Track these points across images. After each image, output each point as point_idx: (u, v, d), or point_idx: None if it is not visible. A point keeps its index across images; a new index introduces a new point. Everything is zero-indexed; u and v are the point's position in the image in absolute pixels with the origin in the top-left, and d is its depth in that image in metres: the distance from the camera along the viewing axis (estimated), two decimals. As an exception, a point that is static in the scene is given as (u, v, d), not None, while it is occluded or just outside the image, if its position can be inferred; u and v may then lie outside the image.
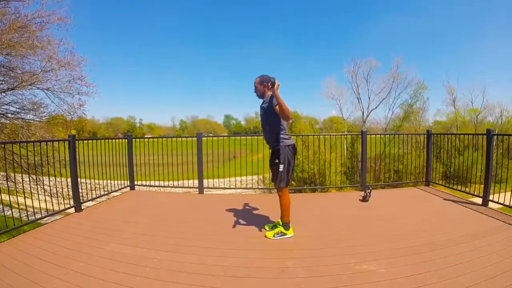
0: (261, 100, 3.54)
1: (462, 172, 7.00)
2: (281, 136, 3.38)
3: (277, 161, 3.37)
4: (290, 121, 3.35)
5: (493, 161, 4.70)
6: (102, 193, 5.51)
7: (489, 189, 4.55)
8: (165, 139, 6.77)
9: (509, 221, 3.71)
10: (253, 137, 6.50)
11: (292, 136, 3.87)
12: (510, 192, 4.37)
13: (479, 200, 4.66)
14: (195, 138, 6.06)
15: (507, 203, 4.23)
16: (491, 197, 4.52)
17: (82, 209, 4.67)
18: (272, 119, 3.36)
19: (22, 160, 10.31)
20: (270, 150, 3.56)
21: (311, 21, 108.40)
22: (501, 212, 4.11)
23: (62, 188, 6.43)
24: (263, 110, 3.45)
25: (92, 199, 5.19)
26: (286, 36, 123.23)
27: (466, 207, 4.50)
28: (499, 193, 4.49)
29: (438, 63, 73.94)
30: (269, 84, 3.20)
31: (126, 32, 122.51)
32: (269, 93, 3.38)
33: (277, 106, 3.18)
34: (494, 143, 4.66)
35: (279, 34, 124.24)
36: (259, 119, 3.62)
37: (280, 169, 3.33)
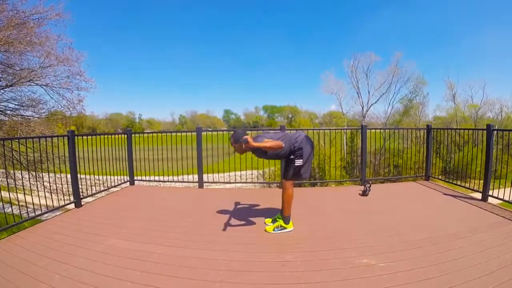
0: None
1: (462, 167, 7.00)
2: (292, 145, 3.33)
3: (292, 157, 3.34)
4: (283, 149, 3.28)
5: (493, 156, 4.69)
6: (102, 188, 5.50)
7: (488, 184, 4.54)
8: (165, 134, 6.76)
9: (508, 216, 3.71)
10: (252, 131, 6.47)
11: (292, 131, 3.83)
12: (509, 188, 4.37)
13: (478, 195, 4.67)
14: (194, 133, 6.05)
15: (506, 198, 4.24)
16: (490, 192, 4.52)
17: (82, 205, 4.68)
18: (272, 153, 3.32)
19: (21, 157, 10.32)
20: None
21: (311, 15, 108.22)
22: (500, 208, 4.11)
23: (61, 184, 6.42)
24: (262, 157, 3.44)
25: (92, 195, 5.20)
26: (286, 30, 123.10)
27: (465, 202, 4.50)
28: (499, 188, 4.49)
29: (438, 58, 73.90)
30: (242, 142, 3.15)
31: (125, 27, 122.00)
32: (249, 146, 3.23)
33: (266, 151, 3.19)
34: (494, 139, 4.65)
35: (279, 28, 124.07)
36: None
37: (296, 164, 3.30)
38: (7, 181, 5.20)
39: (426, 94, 29.93)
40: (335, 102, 35.78)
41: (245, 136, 3.15)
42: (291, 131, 6.47)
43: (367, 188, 5.04)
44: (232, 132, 3.40)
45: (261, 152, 3.32)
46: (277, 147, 3.18)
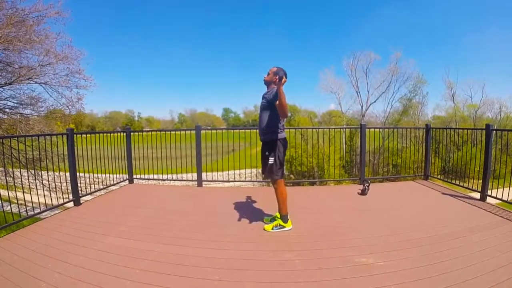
0: (265, 89, 3.53)
1: (461, 167, 7.01)
2: (275, 129, 3.37)
3: (267, 153, 3.38)
4: (286, 118, 3.36)
5: (492, 156, 4.70)
6: (101, 187, 5.51)
7: (487, 184, 4.54)
8: (164, 132, 6.77)
9: (507, 216, 3.72)
10: (251, 130, 6.47)
11: (291, 129, 3.85)
12: (508, 188, 4.38)
13: (477, 195, 4.67)
14: (193, 131, 6.05)
15: (505, 198, 4.25)
16: (489, 192, 4.53)
17: (81, 203, 4.68)
18: (271, 111, 3.34)
19: (20, 155, 10.31)
20: (262, 142, 3.55)
21: (310, 13, 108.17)
22: (499, 207, 4.12)
23: (60, 182, 6.42)
24: (265, 100, 3.43)
25: (91, 193, 5.19)
26: (285, 28, 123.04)
27: (464, 201, 4.51)
28: (497, 188, 4.49)
29: (438, 58, 73.92)
30: (278, 76, 3.15)
31: (123, 25, 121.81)
32: (275, 86, 3.34)
33: (278, 101, 3.18)
34: (493, 139, 4.66)
35: (278, 26, 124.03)
36: (258, 110, 3.61)
37: (270, 162, 3.33)
38: (6, 180, 5.20)
39: (425, 94, 29.99)
40: (334, 101, 35.95)
41: (284, 78, 3.16)
42: (291, 130, 6.47)
43: (366, 187, 5.04)
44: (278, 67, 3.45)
45: (271, 104, 3.31)
46: (287, 110, 3.17)
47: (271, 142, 3.38)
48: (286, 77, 3.26)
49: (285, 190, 3.44)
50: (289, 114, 3.26)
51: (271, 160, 3.34)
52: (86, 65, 14.32)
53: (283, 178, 3.43)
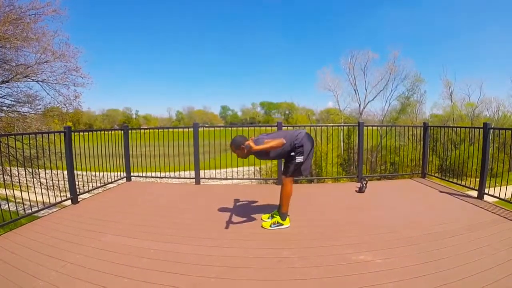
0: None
1: (458, 165, 7.03)
2: (293, 142, 3.35)
3: (292, 154, 3.35)
4: (284, 147, 3.29)
5: (489, 155, 4.71)
6: (99, 185, 5.49)
7: (484, 182, 4.55)
8: (162, 130, 6.76)
9: (504, 215, 3.73)
10: (249, 128, 6.45)
11: (289, 127, 3.83)
12: (505, 186, 4.39)
13: (474, 193, 4.68)
14: (191, 129, 6.04)
15: (502, 196, 4.26)
16: (486, 191, 4.54)
17: (79, 201, 4.65)
18: (274, 153, 3.34)
19: (18, 153, 10.27)
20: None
21: (309, 11, 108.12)
22: (496, 206, 4.13)
23: (58, 180, 6.39)
24: (264, 158, 3.45)
25: (89, 191, 5.18)
26: (284, 26, 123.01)
27: (461, 199, 4.53)
28: (495, 186, 4.51)
29: (436, 56, 74.06)
30: (244, 147, 3.16)
31: (121, 22, 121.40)
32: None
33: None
34: (490, 137, 4.67)
35: (276, 24, 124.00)
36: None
37: (297, 160, 3.32)
38: (4, 178, 5.16)
39: (423, 92, 29.96)
40: (332, 99, 35.84)
41: (247, 142, 3.14)
42: (289, 127, 6.46)
43: (364, 185, 5.05)
44: (232, 140, 3.36)
45: (263, 154, 3.33)
46: (279, 145, 3.17)
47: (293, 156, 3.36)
48: (244, 141, 3.26)
49: (292, 189, 3.43)
50: (283, 142, 3.20)
51: (299, 159, 3.32)
52: (84, 62, 14.24)
53: (292, 177, 3.44)
